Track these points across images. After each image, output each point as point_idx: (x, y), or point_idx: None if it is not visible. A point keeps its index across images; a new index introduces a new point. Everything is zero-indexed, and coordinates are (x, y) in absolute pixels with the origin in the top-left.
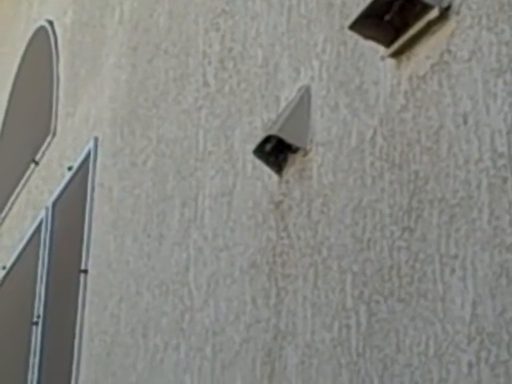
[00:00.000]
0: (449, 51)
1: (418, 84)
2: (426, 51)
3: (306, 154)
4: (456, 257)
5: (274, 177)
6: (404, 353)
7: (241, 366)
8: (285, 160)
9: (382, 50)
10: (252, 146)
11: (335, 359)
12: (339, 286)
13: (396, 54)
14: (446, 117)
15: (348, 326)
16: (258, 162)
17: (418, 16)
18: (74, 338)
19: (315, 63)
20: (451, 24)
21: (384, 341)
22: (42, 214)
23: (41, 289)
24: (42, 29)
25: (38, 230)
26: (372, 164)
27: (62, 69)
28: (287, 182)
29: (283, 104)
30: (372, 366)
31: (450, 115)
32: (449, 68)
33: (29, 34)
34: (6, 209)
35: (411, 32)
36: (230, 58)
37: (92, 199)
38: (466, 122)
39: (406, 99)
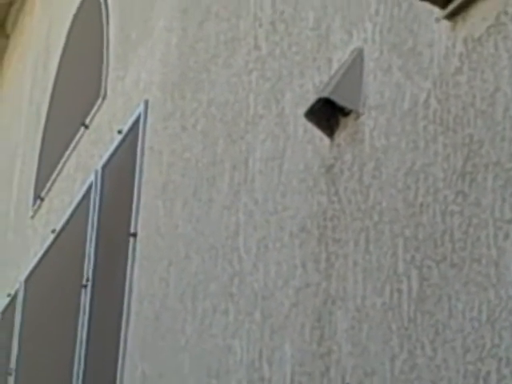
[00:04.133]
0: (505, 12)
1: (473, 46)
2: (482, 13)
3: (358, 117)
4: (511, 221)
5: (326, 140)
6: (456, 318)
7: (290, 331)
8: (336, 123)
9: (436, 11)
10: (303, 109)
11: (386, 324)
12: (391, 251)
13: (451, 16)
14: (501, 79)
15: (399, 291)
16: (310, 126)
17: None
18: (122, 301)
19: (368, 25)
20: None
21: (436, 306)
22: (92, 177)
23: (90, 252)
24: None
25: (87, 193)
26: (425, 127)
27: (113, 32)
28: (339, 145)
29: (335, 67)
30: (423, 331)
31: (506, 78)
32: (505, 30)
33: None
34: (56, 172)
35: None
36: (282, 20)
37: (142, 163)
38: None
39: (461, 62)
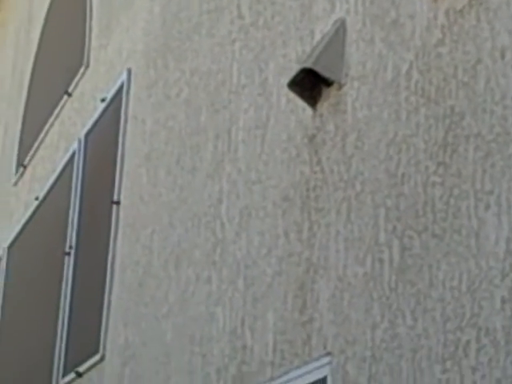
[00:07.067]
0: None
1: (455, 18)
2: None
3: (340, 87)
4: (491, 192)
5: (308, 110)
6: (436, 288)
7: (272, 299)
8: (319, 94)
9: None
10: (286, 79)
11: (367, 293)
12: (372, 221)
13: None
14: (483, 51)
15: (381, 261)
16: (292, 96)
17: None
18: (105, 268)
19: None
20: None
21: (417, 276)
22: (75, 145)
23: (73, 220)
24: None
25: (70, 161)
26: (407, 98)
27: (96, 0)
28: (321, 115)
29: (318, 37)
30: (404, 300)
31: (487, 50)
32: (487, 1)
33: None
34: (39, 140)
35: None
36: None
37: (125, 131)
38: (503, 57)
39: (443, 33)
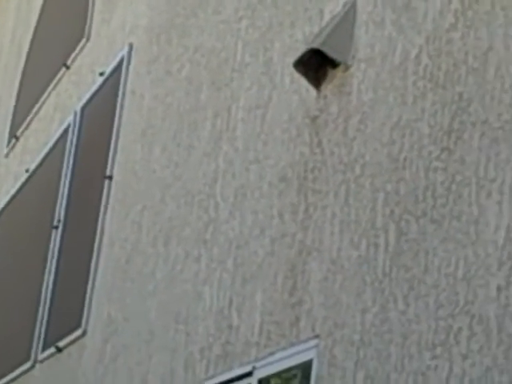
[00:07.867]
0: None
1: (469, 3)
2: None
3: (346, 69)
4: (494, 180)
5: (312, 91)
6: (432, 274)
7: (262, 280)
8: (324, 75)
9: None
10: (291, 60)
11: (360, 277)
12: (370, 205)
13: None
14: (496, 38)
15: (376, 245)
16: (297, 76)
17: None
18: (93, 243)
19: None
20: None
21: (412, 261)
22: (70, 118)
23: (63, 193)
24: None
25: (64, 133)
26: (415, 83)
27: None
28: (325, 97)
29: (327, 18)
30: (397, 285)
31: (500, 36)
32: None
33: None
34: (33, 112)
35: None
36: None
37: (122, 106)
38: None
39: (456, 18)
